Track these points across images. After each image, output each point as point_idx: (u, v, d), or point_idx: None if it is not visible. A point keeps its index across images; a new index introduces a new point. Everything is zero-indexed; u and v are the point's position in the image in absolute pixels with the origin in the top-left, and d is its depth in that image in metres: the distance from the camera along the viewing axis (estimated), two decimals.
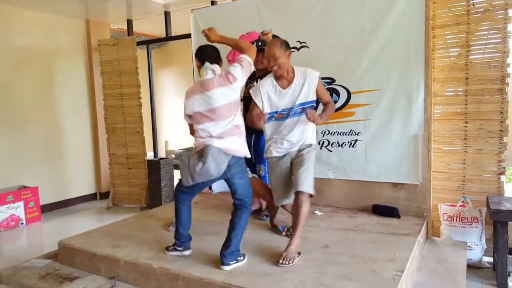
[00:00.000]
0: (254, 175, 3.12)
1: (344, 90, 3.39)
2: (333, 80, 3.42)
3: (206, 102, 2.29)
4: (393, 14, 3.15)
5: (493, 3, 3.06)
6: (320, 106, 2.77)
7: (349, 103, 3.38)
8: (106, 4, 4.96)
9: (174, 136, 7.40)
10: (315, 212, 3.37)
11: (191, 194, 2.54)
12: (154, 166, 5.05)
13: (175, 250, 2.50)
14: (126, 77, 5.27)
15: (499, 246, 2.80)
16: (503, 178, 3.13)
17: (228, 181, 2.39)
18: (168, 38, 5.58)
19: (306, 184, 2.43)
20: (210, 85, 2.29)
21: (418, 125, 3.15)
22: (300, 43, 3.52)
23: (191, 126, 2.51)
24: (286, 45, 2.54)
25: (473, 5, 3.11)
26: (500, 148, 3.10)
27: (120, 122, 5.34)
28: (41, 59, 5.17)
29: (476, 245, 3.12)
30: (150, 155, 5.78)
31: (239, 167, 2.37)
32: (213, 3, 4.82)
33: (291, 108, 2.59)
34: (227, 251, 2.29)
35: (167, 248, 2.54)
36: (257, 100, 2.62)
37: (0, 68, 4.74)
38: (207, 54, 2.40)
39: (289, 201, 2.69)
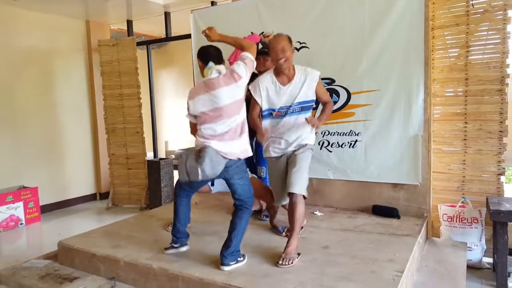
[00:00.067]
0: (254, 175, 3.12)
1: (344, 91, 3.39)
2: (333, 81, 3.43)
3: (212, 101, 2.29)
4: (393, 15, 3.15)
5: (492, 3, 3.06)
6: (320, 106, 2.77)
7: (349, 103, 3.38)
8: (106, 4, 4.96)
9: (174, 137, 7.40)
10: (315, 212, 3.37)
11: (191, 191, 2.53)
12: (154, 167, 5.05)
13: (172, 247, 2.50)
14: (126, 78, 5.27)
15: (499, 246, 2.80)
16: (502, 178, 3.13)
17: (227, 181, 2.39)
18: (168, 38, 5.59)
19: (298, 185, 2.43)
20: (216, 84, 2.29)
21: (418, 126, 3.15)
22: (300, 43, 3.52)
23: (192, 125, 2.51)
24: (291, 40, 2.56)
25: (473, 5, 3.11)
26: (500, 148, 3.10)
27: (120, 123, 5.34)
28: (41, 59, 5.17)
29: (476, 246, 3.12)
30: (150, 155, 5.78)
31: (237, 168, 2.36)
32: (213, 3, 4.83)
33: (290, 106, 2.58)
34: (227, 252, 2.28)
35: (166, 248, 2.54)
36: (256, 95, 2.60)
37: (1, 68, 4.74)
38: (211, 54, 2.41)
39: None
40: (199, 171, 2.18)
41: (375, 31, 3.22)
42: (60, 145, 5.40)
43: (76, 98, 5.60)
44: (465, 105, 3.21)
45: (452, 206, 3.23)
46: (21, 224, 4.63)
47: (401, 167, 3.22)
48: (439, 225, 3.33)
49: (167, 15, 5.42)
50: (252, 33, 3.44)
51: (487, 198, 3.03)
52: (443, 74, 3.29)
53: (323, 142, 3.51)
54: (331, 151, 3.49)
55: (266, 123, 2.65)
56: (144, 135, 5.33)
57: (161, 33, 6.09)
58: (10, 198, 4.53)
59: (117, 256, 2.54)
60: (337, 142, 3.46)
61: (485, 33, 3.11)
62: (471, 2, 3.11)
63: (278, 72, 2.59)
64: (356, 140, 3.38)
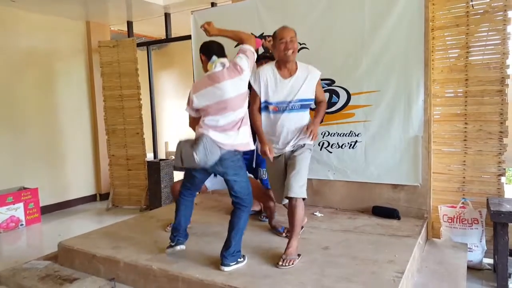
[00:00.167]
0: (251, 175, 3.12)
1: (344, 92, 3.39)
2: (333, 82, 3.43)
3: (217, 94, 2.29)
4: (393, 16, 3.15)
5: (492, 4, 3.06)
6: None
7: (349, 104, 3.38)
8: (106, 5, 4.97)
9: (174, 137, 7.40)
10: (315, 213, 3.36)
11: (193, 189, 2.52)
12: (154, 168, 5.05)
13: (170, 246, 2.49)
14: (126, 79, 5.27)
15: (499, 247, 2.79)
16: (503, 179, 3.13)
17: (223, 178, 2.38)
18: (168, 39, 5.59)
19: (297, 189, 2.41)
20: (220, 77, 2.29)
21: (418, 126, 3.15)
22: (300, 44, 3.50)
23: (192, 119, 2.51)
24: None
25: (472, 6, 3.11)
26: (500, 149, 3.10)
27: (120, 123, 5.34)
28: (41, 60, 5.17)
29: (476, 247, 3.12)
30: (150, 156, 5.78)
31: (233, 163, 2.33)
32: (213, 4, 4.83)
33: (289, 102, 2.52)
34: (227, 252, 2.28)
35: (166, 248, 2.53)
36: (255, 85, 2.55)
37: (1, 69, 4.74)
38: (214, 49, 2.43)
39: None
40: (192, 158, 2.18)
41: (375, 32, 3.23)
42: (60, 146, 5.40)
43: (76, 99, 5.60)
44: (465, 106, 3.21)
45: (453, 207, 3.22)
46: (21, 225, 4.63)
47: (401, 168, 3.22)
48: (439, 226, 3.32)
49: (167, 16, 5.42)
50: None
51: (487, 199, 3.03)
52: (443, 75, 3.29)
53: (323, 143, 3.51)
54: (331, 152, 3.49)
55: (263, 116, 2.59)
56: (144, 136, 5.33)
57: (161, 34, 6.10)
58: (10, 199, 4.53)
59: (117, 257, 2.54)
60: (337, 143, 3.46)
61: (485, 34, 3.11)
62: (471, 3, 3.11)
63: (280, 65, 2.56)
64: (356, 141, 3.38)
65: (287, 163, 2.59)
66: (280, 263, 2.29)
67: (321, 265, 2.33)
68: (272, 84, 2.54)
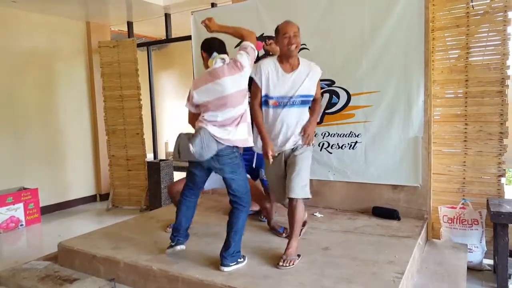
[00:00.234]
0: (248, 176, 3.11)
1: (344, 92, 3.39)
2: (333, 82, 3.43)
3: (217, 90, 2.29)
4: (393, 16, 3.15)
5: (492, 5, 3.06)
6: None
7: (349, 105, 3.38)
8: (106, 6, 4.97)
9: (174, 138, 7.38)
10: (315, 214, 3.36)
11: (195, 189, 2.51)
12: (154, 168, 5.05)
13: (170, 246, 2.49)
14: (126, 79, 5.27)
15: (499, 248, 2.79)
16: (503, 180, 3.13)
17: (221, 176, 2.37)
18: (169, 40, 5.60)
19: (298, 190, 2.40)
20: (220, 74, 2.30)
21: (418, 127, 3.15)
22: (300, 45, 3.51)
23: (191, 115, 2.51)
24: None
25: (473, 7, 3.11)
26: (500, 150, 3.10)
27: (120, 124, 5.34)
28: (42, 61, 5.18)
29: (476, 248, 3.12)
30: (150, 156, 5.78)
31: (230, 160, 2.32)
32: (213, 5, 4.83)
33: (291, 97, 2.47)
34: (227, 253, 2.28)
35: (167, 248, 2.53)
36: (256, 78, 2.50)
37: (1, 69, 4.75)
38: (215, 45, 2.43)
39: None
40: (188, 150, 2.19)
41: (375, 33, 3.23)
42: (61, 147, 5.40)
43: (76, 100, 5.60)
44: (465, 106, 3.21)
45: (453, 207, 3.22)
46: (21, 225, 4.62)
47: (401, 169, 3.22)
48: (439, 227, 3.32)
49: (167, 16, 5.42)
50: None
51: (487, 200, 3.03)
52: (443, 76, 3.29)
53: (323, 144, 3.51)
54: (331, 153, 3.49)
55: (263, 111, 2.55)
56: (144, 136, 5.33)
57: (162, 35, 6.10)
58: (10, 199, 4.53)
59: (117, 258, 2.54)
60: (337, 144, 3.46)
61: (485, 34, 3.11)
62: (471, 4, 3.11)
63: (282, 59, 2.52)
64: (356, 142, 3.38)
65: (286, 162, 2.55)
66: (280, 263, 2.29)
67: (321, 265, 2.33)
68: (274, 77, 2.49)
